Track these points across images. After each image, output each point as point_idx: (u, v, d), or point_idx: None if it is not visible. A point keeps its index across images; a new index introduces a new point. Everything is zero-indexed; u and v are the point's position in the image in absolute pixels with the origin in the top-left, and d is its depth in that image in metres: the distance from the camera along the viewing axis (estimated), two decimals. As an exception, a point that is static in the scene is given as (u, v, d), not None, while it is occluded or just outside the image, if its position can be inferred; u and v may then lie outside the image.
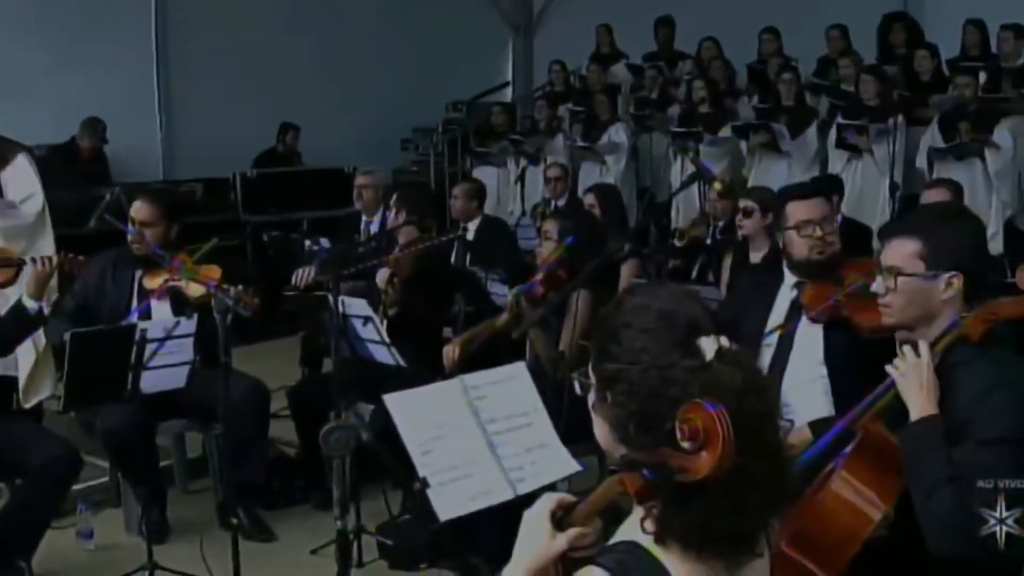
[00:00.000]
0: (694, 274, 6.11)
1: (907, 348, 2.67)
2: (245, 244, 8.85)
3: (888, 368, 2.69)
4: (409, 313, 5.08)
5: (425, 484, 2.74)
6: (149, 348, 4.15)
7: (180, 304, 4.79)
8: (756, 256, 5.28)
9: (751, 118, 9.10)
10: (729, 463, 1.40)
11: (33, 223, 4.92)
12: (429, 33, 11.88)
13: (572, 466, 3.01)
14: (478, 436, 2.87)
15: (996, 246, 7.39)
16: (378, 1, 11.67)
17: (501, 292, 5.52)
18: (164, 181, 9.73)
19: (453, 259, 6.51)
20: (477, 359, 4.50)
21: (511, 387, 3.03)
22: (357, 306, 4.63)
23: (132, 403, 4.31)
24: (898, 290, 2.76)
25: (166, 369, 4.24)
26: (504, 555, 1.68)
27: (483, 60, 13.06)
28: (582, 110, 10.45)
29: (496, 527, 2.90)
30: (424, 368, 4.63)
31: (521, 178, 10.26)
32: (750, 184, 8.08)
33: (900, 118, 7.93)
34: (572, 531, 1.64)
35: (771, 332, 3.72)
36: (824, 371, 3.62)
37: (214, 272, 4.69)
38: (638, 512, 1.53)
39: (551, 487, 2.86)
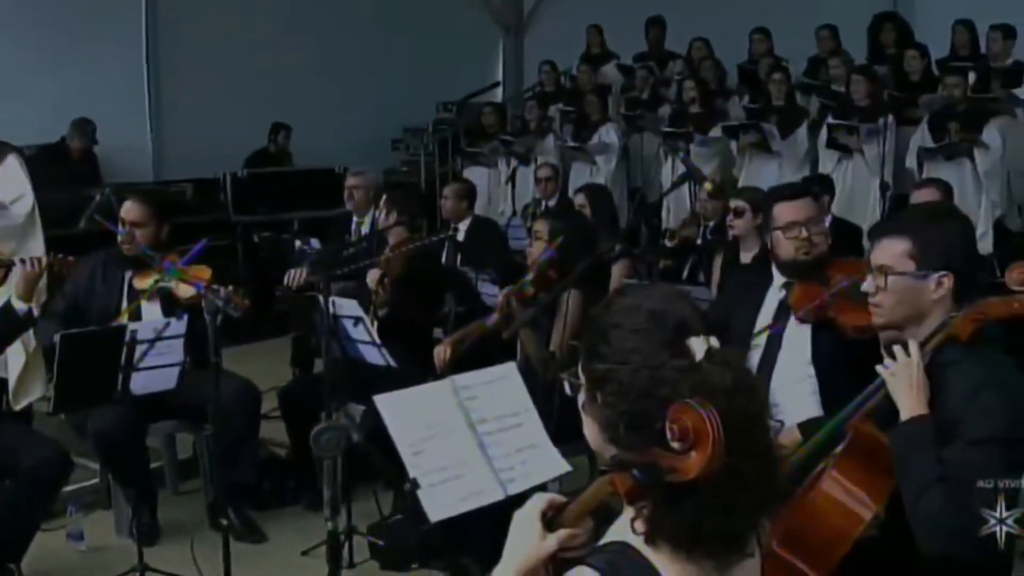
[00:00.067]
0: (685, 274, 6.12)
1: (897, 348, 2.68)
2: (236, 244, 8.83)
3: (879, 368, 2.70)
4: (399, 313, 5.07)
5: (416, 485, 2.74)
6: (139, 349, 4.13)
7: (170, 305, 4.78)
8: (747, 256, 5.28)
9: (742, 118, 9.08)
10: (719, 463, 1.40)
11: (23, 224, 4.89)
12: (419, 33, 11.86)
13: (563, 466, 3.01)
14: (469, 437, 2.87)
15: (985, 246, 7.40)
16: (368, 1, 11.65)
17: (491, 292, 5.52)
18: (154, 181, 9.69)
19: (443, 259, 6.49)
20: (467, 359, 4.49)
21: (502, 387, 3.03)
22: (348, 307, 4.62)
23: (122, 404, 4.30)
24: (888, 289, 2.77)
25: (156, 370, 4.22)
26: (495, 556, 1.68)
27: (473, 60, 13.04)
28: (572, 110, 10.43)
29: (487, 528, 2.89)
30: (415, 369, 4.63)
31: (512, 178, 10.23)
32: (740, 184, 8.08)
33: (890, 118, 7.94)
34: (562, 532, 1.64)
35: (760, 332, 3.73)
36: (812, 371, 3.61)
37: (204, 273, 4.67)
38: (628, 512, 1.53)
39: (542, 487, 2.86)
